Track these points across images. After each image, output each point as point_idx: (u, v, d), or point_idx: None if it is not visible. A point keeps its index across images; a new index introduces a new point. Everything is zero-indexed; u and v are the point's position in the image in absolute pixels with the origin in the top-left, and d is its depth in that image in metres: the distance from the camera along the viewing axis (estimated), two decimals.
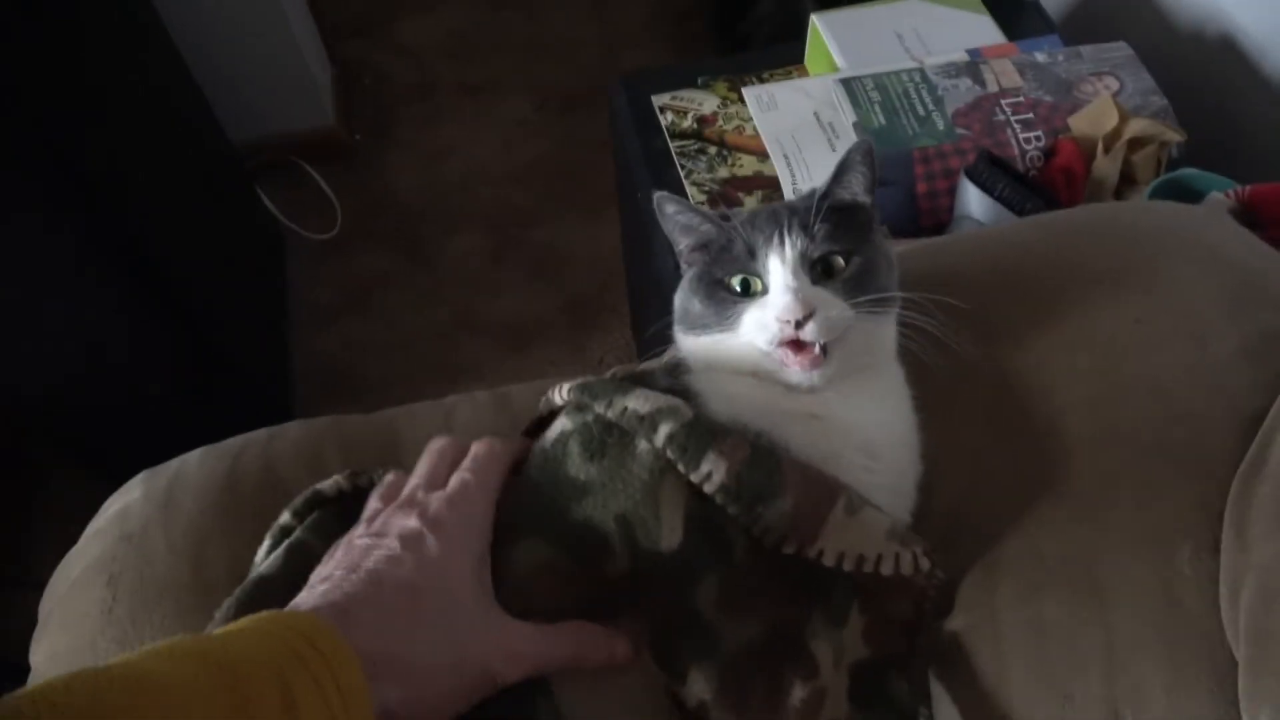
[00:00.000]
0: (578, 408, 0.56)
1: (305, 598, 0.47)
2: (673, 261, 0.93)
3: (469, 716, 0.47)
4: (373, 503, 0.56)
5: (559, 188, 1.99)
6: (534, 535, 0.52)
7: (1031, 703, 0.53)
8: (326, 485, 0.61)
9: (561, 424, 0.56)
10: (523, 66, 2.19)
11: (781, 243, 0.56)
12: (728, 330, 0.57)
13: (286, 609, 0.46)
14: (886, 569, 0.52)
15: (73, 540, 0.70)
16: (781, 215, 0.57)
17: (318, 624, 0.43)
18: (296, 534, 0.59)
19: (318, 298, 1.86)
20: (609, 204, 1.81)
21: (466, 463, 0.55)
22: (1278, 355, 0.59)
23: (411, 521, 0.50)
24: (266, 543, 0.61)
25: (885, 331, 0.58)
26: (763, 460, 0.52)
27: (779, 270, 0.56)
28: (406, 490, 0.55)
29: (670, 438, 0.52)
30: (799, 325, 0.54)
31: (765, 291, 0.56)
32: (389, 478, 0.58)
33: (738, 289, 0.57)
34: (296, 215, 1.90)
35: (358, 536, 0.51)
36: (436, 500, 0.52)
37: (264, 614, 0.43)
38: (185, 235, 1.45)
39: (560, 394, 0.58)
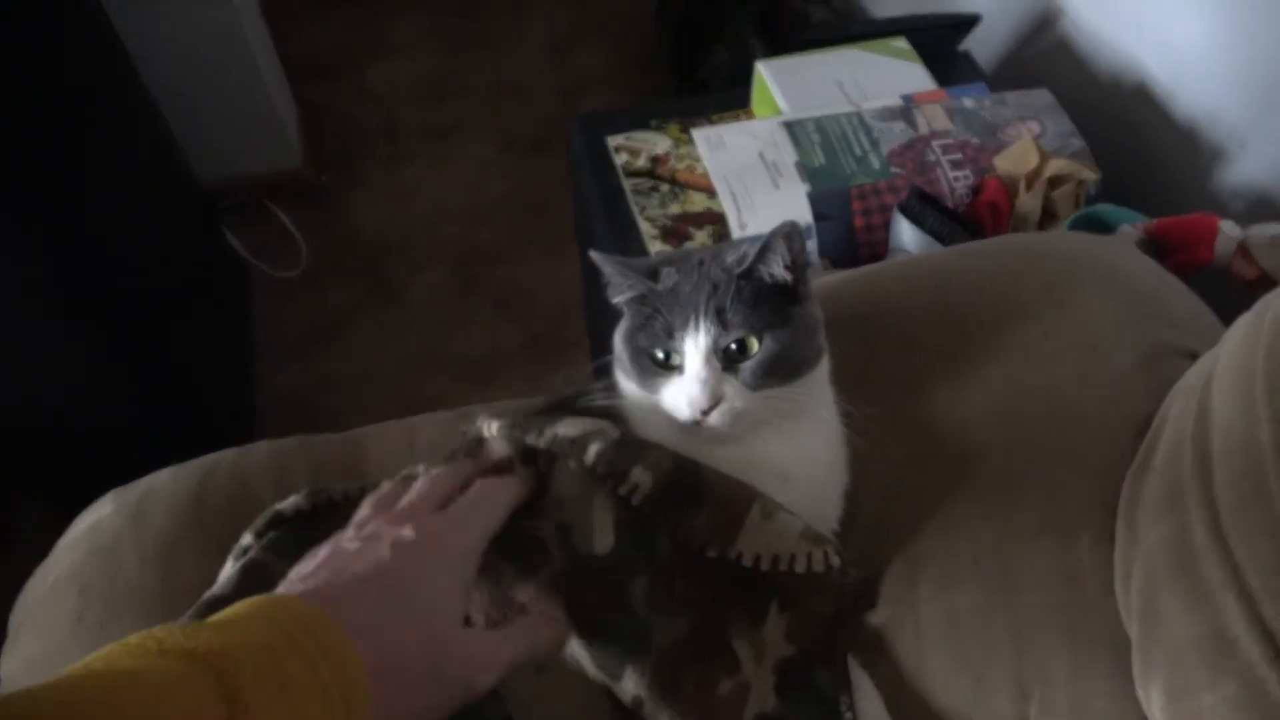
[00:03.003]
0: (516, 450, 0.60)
1: (285, 590, 0.46)
2: None
3: None
4: (364, 509, 0.55)
5: (521, 226, 2.04)
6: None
7: (948, 685, 0.57)
8: (286, 505, 0.65)
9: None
10: (486, 110, 2.25)
11: (696, 329, 0.59)
12: (650, 395, 0.62)
13: (275, 595, 0.45)
14: (800, 567, 0.56)
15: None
16: (700, 297, 0.60)
17: (316, 613, 0.42)
18: (251, 554, 0.61)
19: (283, 334, 1.88)
20: (569, 241, 1.87)
21: (471, 493, 0.55)
22: (1167, 366, 0.65)
23: (407, 531, 0.50)
24: (229, 562, 0.63)
25: (804, 391, 0.61)
26: (685, 472, 0.57)
27: (693, 355, 0.59)
28: (405, 504, 0.54)
29: (599, 455, 0.57)
30: (706, 413, 0.58)
31: (682, 371, 0.60)
32: (385, 487, 0.58)
33: (661, 357, 0.61)
34: (263, 254, 1.93)
35: (347, 539, 0.51)
36: (435, 518, 0.52)
37: (260, 598, 0.43)
38: (150, 272, 1.47)
39: (489, 429, 0.62)
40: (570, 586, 0.55)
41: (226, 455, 0.76)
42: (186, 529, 0.68)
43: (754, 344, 0.59)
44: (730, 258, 0.62)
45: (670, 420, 0.60)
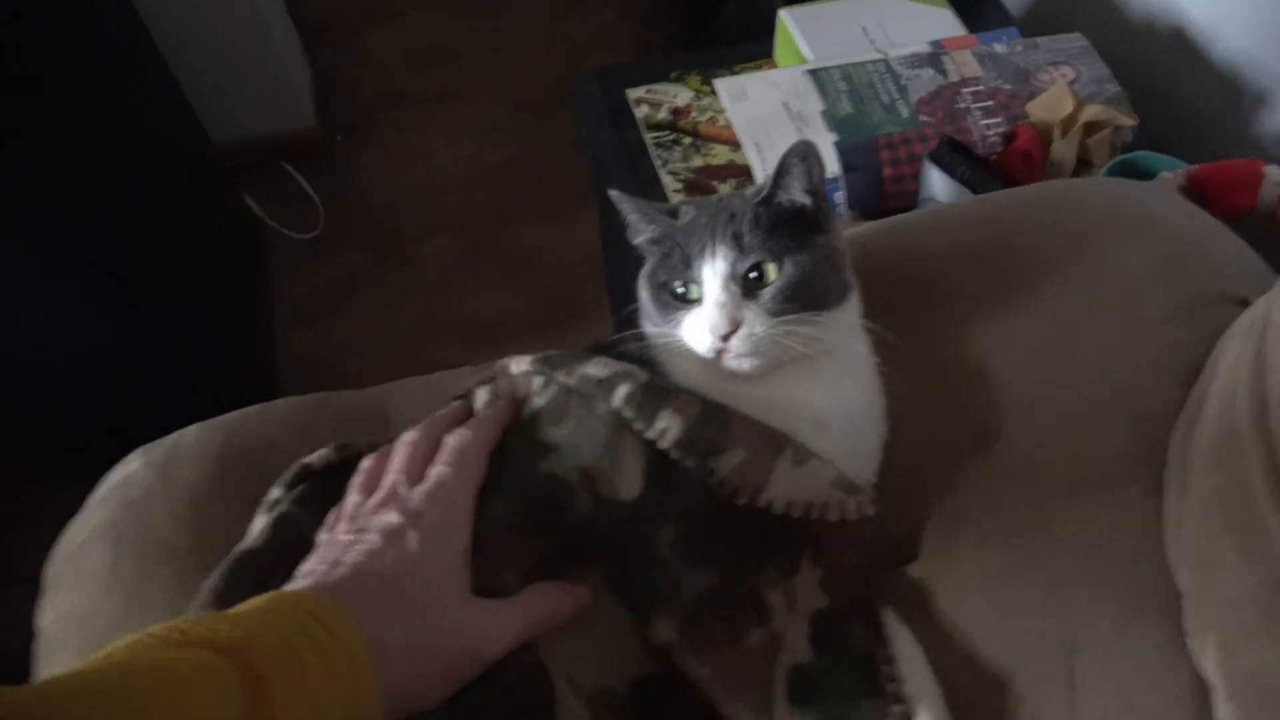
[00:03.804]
0: (545, 384, 0.59)
1: (291, 587, 0.48)
2: None
3: None
4: (352, 496, 0.56)
5: (529, 189, 2.02)
6: (503, 490, 0.55)
7: (992, 638, 0.56)
8: (314, 458, 0.63)
9: (536, 403, 0.59)
10: (491, 72, 2.22)
11: (713, 255, 0.58)
12: (672, 331, 0.61)
13: (286, 590, 0.47)
14: (833, 515, 0.55)
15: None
16: (717, 224, 0.59)
17: (323, 602, 0.44)
18: (281, 507, 0.60)
19: (299, 298, 1.87)
20: (579, 203, 1.85)
21: (444, 455, 0.55)
22: (1212, 315, 0.63)
23: (393, 517, 0.51)
24: (258, 516, 0.63)
25: (830, 325, 0.59)
26: (713, 416, 0.56)
27: (712, 282, 0.58)
28: (386, 484, 0.55)
29: (628, 398, 0.56)
30: (725, 339, 0.57)
31: (702, 301, 0.59)
32: (365, 464, 0.58)
33: (680, 292, 0.60)
34: (278, 216, 1.91)
35: (340, 532, 0.52)
36: (417, 495, 0.52)
37: (270, 594, 0.45)
38: (166, 236, 1.46)
39: (518, 365, 0.61)
40: (598, 534, 0.54)
41: (250, 412, 0.75)
42: (214, 483, 0.67)
43: (772, 270, 0.58)
44: (749, 190, 0.61)
45: (701, 362, 0.59)
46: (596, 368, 0.58)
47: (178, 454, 0.70)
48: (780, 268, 0.58)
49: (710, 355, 0.58)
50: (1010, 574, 0.57)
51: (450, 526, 0.52)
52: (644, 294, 0.63)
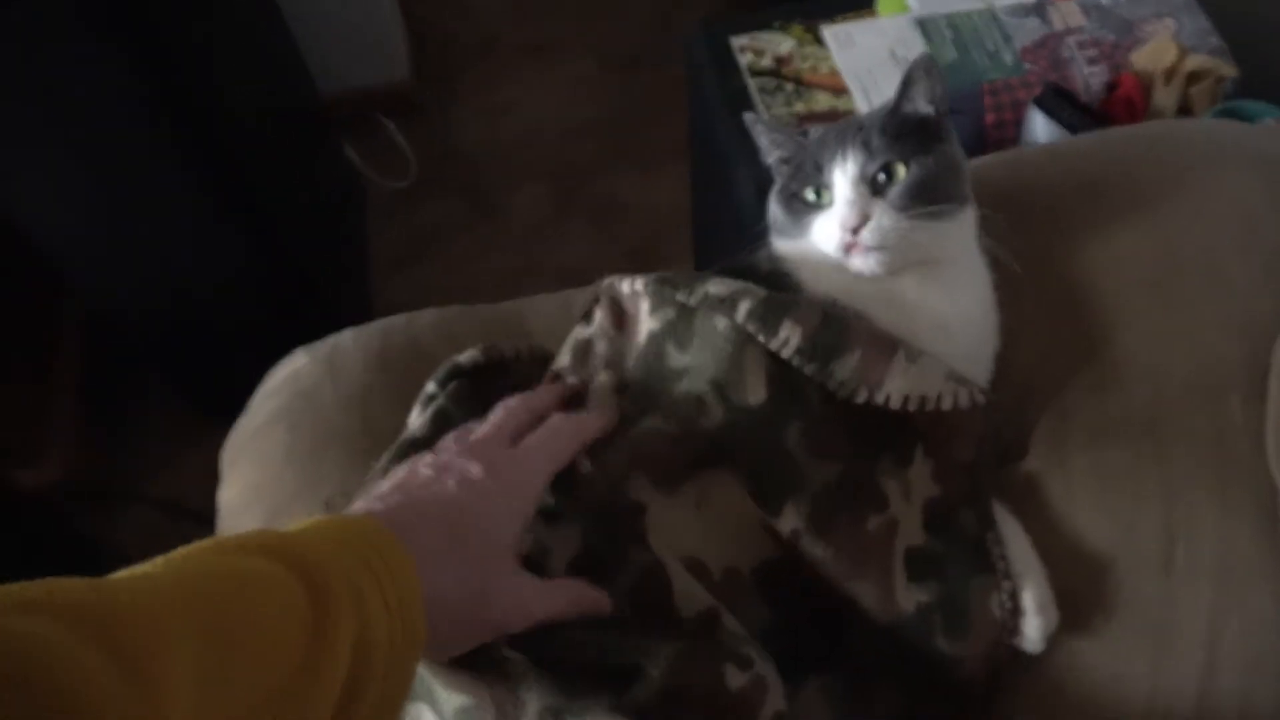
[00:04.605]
0: (660, 305, 0.64)
1: (365, 505, 0.50)
2: (752, 191, 1.02)
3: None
4: (447, 438, 0.59)
5: (618, 142, 2.06)
6: (649, 413, 0.61)
7: (1096, 530, 0.61)
8: (464, 358, 0.70)
9: (649, 326, 0.64)
10: (585, 25, 2.26)
11: (844, 158, 0.63)
12: (803, 237, 0.65)
13: (353, 514, 0.48)
14: (946, 405, 0.59)
15: (168, 457, 0.76)
16: (847, 134, 0.64)
17: (385, 535, 0.45)
18: (439, 401, 0.67)
19: (392, 245, 1.95)
20: (666, 158, 1.89)
21: (543, 430, 0.57)
22: None
23: (474, 469, 0.52)
24: (415, 408, 0.70)
25: (952, 229, 0.63)
26: (832, 323, 0.60)
27: (842, 183, 0.63)
28: (478, 435, 0.57)
29: (750, 312, 0.60)
30: (855, 231, 0.61)
31: (832, 203, 0.63)
32: (472, 424, 0.61)
33: (811, 198, 0.65)
34: (371, 165, 1.99)
35: (423, 464, 0.53)
36: (504, 456, 0.54)
37: (338, 518, 0.46)
38: (281, 177, 1.54)
39: (632, 285, 0.65)
40: (730, 436, 0.59)
41: (399, 319, 0.81)
42: (373, 378, 0.74)
43: (900, 170, 0.62)
44: (874, 108, 0.65)
45: (831, 267, 0.63)
46: (717, 286, 0.62)
47: (339, 351, 0.77)
48: (907, 168, 0.62)
49: (840, 253, 0.62)
50: (1116, 470, 0.62)
51: (523, 494, 0.53)
52: (774, 207, 0.68)
